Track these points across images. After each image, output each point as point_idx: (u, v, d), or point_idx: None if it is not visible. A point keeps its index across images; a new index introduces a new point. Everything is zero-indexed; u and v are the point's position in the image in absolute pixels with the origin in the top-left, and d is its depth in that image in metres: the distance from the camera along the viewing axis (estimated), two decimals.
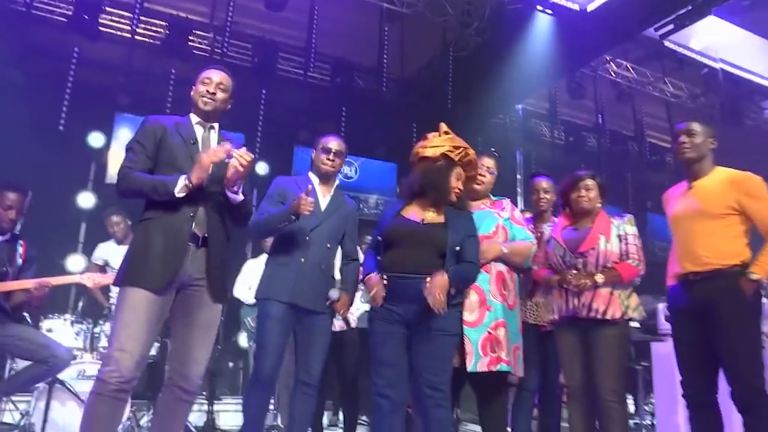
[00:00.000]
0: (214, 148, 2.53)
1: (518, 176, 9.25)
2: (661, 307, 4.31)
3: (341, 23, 8.79)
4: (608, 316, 3.04)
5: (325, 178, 3.32)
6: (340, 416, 4.87)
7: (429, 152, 2.89)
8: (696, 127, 3.02)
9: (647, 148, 10.97)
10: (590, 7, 7.09)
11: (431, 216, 2.88)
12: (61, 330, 4.40)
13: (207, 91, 2.68)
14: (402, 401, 2.78)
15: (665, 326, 3.82)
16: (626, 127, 11.12)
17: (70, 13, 7.20)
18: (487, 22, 8.22)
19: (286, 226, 3.03)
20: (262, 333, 3.07)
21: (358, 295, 3.32)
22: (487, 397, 3.13)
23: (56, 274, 3.89)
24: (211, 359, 4.56)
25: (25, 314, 3.94)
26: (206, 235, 2.56)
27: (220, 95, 2.70)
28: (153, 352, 4.30)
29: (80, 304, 4.89)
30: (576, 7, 7.22)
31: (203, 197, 2.53)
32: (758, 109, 10.25)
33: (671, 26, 6.97)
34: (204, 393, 4.91)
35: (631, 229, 3.20)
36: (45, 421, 3.77)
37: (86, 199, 7.13)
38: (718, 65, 9.06)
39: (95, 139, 7.18)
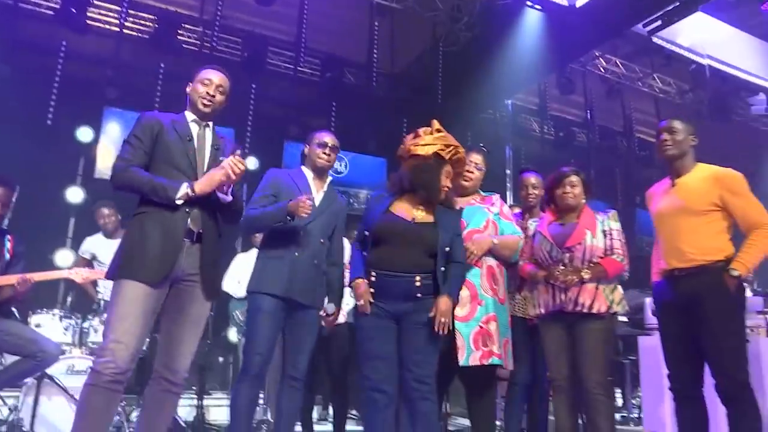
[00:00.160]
0: (224, 167, 2.53)
1: (507, 171, 9.28)
2: (648, 301, 4.35)
3: (331, 18, 8.78)
4: (594, 310, 3.07)
5: (320, 173, 3.32)
6: (330, 411, 4.88)
7: (421, 151, 2.88)
8: (677, 124, 3.06)
9: (636, 143, 11.06)
10: (579, 3, 7.11)
11: (421, 215, 2.89)
12: (49, 325, 4.37)
13: (207, 93, 2.70)
14: (395, 395, 2.79)
15: (652, 320, 3.87)
16: (615, 123, 11.20)
17: (57, 6, 7.16)
18: (477, 17, 8.24)
19: (281, 225, 3.03)
20: (252, 327, 3.04)
21: (348, 290, 3.32)
22: (477, 390, 3.16)
23: (45, 269, 3.88)
24: (201, 354, 4.61)
25: (14, 309, 3.92)
26: (201, 231, 2.58)
27: (218, 98, 2.73)
28: (143, 347, 4.30)
29: (69, 299, 4.86)
30: (565, 2, 7.24)
31: (198, 195, 2.54)
32: (745, 105, 10.34)
33: (659, 22, 7.02)
34: (194, 387, 4.92)
35: (615, 225, 3.24)
36: (33, 416, 3.76)
37: (75, 194, 7.08)
38: (705, 61, 9.13)
39: (84, 134, 7.13)
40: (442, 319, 2.70)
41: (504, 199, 3.44)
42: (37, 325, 4.34)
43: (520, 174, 3.90)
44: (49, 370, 3.81)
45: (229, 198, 2.62)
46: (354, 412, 4.78)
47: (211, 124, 2.78)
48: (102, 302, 4.69)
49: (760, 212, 2.90)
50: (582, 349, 3.07)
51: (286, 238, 3.09)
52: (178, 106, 2.80)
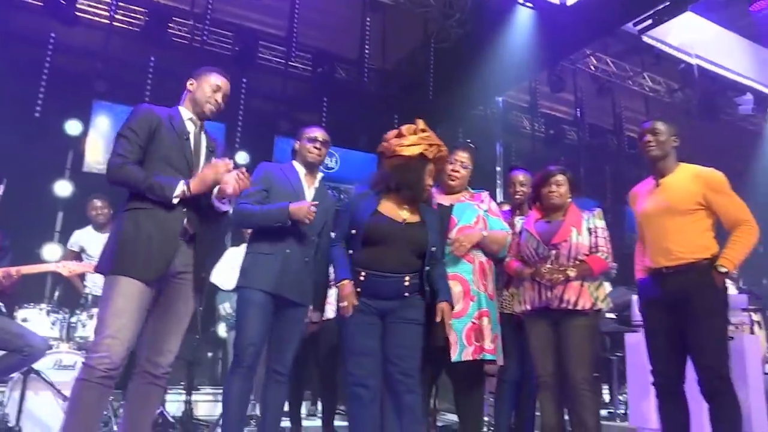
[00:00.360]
0: (217, 163, 2.55)
1: (498, 168, 9.30)
2: (635, 298, 4.39)
3: (323, 13, 8.76)
4: (579, 307, 3.10)
5: (311, 168, 3.32)
6: (319, 406, 4.89)
7: (407, 152, 2.89)
8: (660, 126, 3.12)
9: (626, 141, 11.10)
10: (570, 1, 7.13)
11: (408, 215, 2.93)
12: (36, 319, 4.34)
13: (216, 100, 2.73)
14: (378, 390, 2.82)
15: (639, 317, 3.90)
16: (605, 121, 11.25)
17: None
18: (468, 14, 8.25)
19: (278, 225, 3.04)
20: (243, 319, 3.02)
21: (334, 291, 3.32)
22: (466, 386, 3.18)
23: (32, 263, 3.85)
24: (190, 349, 4.59)
25: (0, 303, 3.89)
26: (194, 231, 2.59)
27: (223, 105, 2.77)
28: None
29: (56, 293, 4.83)
30: (556, 0, 7.26)
31: (194, 196, 2.55)
32: (733, 105, 10.41)
33: (649, 21, 7.05)
34: (182, 383, 4.91)
35: (600, 223, 3.28)
36: (20, 411, 3.73)
37: (63, 188, 7.02)
38: (694, 61, 9.18)
39: (72, 127, 7.07)
40: (449, 322, 2.86)
41: (494, 196, 3.46)
42: (24, 320, 4.31)
43: (509, 171, 3.92)
44: (36, 365, 3.78)
45: (227, 208, 2.65)
46: (343, 407, 4.78)
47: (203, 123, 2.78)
48: (90, 296, 4.66)
49: (743, 210, 2.99)
50: (568, 346, 3.10)
51: (276, 234, 3.08)
52: (168, 100, 2.78)
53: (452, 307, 2.91)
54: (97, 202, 5.09)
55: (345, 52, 9.02)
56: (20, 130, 6.43)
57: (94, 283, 4.79)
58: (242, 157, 7.88)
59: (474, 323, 3.05)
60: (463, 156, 3.35)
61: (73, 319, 4.46)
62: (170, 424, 4.38)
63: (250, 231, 3.43)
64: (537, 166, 3.57)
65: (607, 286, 4.06)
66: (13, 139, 6.07)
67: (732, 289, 5.50)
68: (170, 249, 2.50)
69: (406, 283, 2.83)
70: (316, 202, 3.10)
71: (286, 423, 3.96)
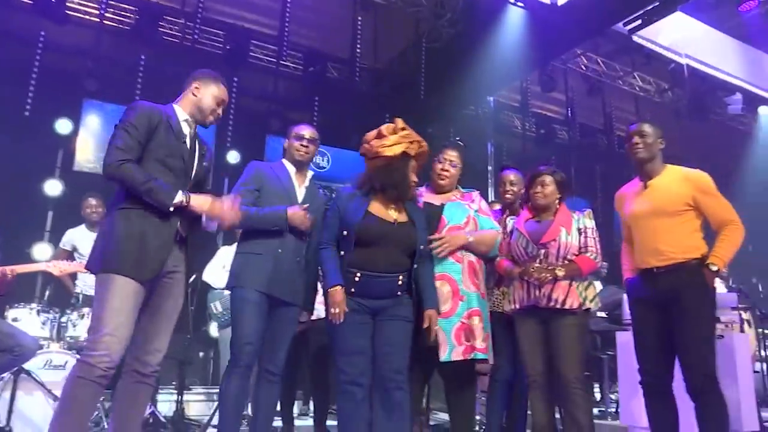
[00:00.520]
0: (229, 207, 2.60)
1: (489, 168, 9.32)
2: (626, 297, 4.42)
3: (314, 12, 8.77)
4: (567, 306, 3.12)
5: (300, 166, 3.30)
6: (311, 406, 4.88)
7: (389, 152, 2.91)
8: (647, 128, 3.15)
9: (616, 141, 11.16)
10: (561, 1, 7.15)
11: (397, 215, 2.95)
12: (27, 319, 4.32)
13: (218, 113, 2.77)
14: (369, 388, 2.83)
15: (630, 316, 3.93)
16: (596, 120, 11.31)
17: None
18: (460, 14, 8.27)
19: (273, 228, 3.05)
20: (239, 317, 2.99)
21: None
22: (458, 385, 3.18)
23: (22, 262, 3.83)
24: (181, 349, 4.58)
25: None
26: (186, 233, 2.63)
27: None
28: None
29: (47, 293, 4.80)
30: (547, 0, 7.29)
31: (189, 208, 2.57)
32: (722, 105, 10.50)
33: (639, 21, 7.10)
34: (174, 383, 4.89)
35: (589, 223, 3.30)
36: (10, 411, 3.72)
37: (53, 187, 6.96)
38: (684, 61, 9.25)
39: (62, 126, 7.03)
40: (434, 328, 2.89)
41: (486, 195, 3.46)
42: (14, 320, 4.28)
43: (500, 171, 3.93)
44: (27, 365, 3.76)
45: (214, 228, 2.69)
46: (335, 407, 4.78)
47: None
48: (81, 296, 4.64)
49: (729, 210, 3.04)
50: (557, 345, 3.11)
51: (268, 234, 3.07)
52: (159, 98, 2.75)
53: (438, 312, 2.95)
54: (92, 201, 5.08)
55: (336, 51, 9.02)
56: (10, 129, 6.40)
57: (85, 283, 4.78)
58: (233, 156, 7.86)
59: (463, 323, 3.05)
60: (452, 154, 3.35)
61: (64, 319, 4.44)
62: (161, 424, 4.36)
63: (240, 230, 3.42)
64: (528, 165, 3.58)
65: (598, 285, 4.08)
66: (3, 138, 6.05)
67: (722, 288, 5.55)
68: (165, 251, 2.52)
69: (400, 283, 2.88)
70: (307, 205, 3.10)
71: (278, 422, 3.96)
